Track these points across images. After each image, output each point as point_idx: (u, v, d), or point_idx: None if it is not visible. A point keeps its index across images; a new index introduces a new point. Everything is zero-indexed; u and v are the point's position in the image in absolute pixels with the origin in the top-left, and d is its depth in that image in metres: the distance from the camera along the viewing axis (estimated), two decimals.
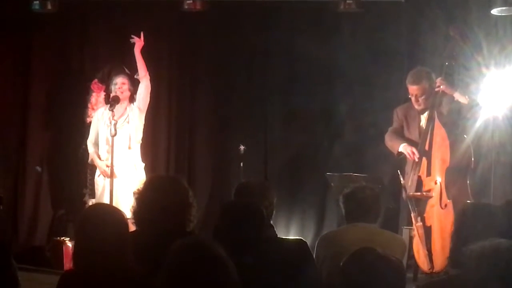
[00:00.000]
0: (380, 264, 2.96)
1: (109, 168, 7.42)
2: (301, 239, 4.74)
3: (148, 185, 4.16)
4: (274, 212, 4.59)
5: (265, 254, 3.88)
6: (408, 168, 7.04)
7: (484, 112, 6.77)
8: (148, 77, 7.87)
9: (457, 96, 6.82)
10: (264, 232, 4.02)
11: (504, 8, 7.29)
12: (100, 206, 4.42)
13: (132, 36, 7.89)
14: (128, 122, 7.79)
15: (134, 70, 8.13)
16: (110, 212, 3.52)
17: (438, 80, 6.90)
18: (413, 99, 7.07)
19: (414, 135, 7.11)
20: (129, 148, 7.76)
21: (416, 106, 7.08)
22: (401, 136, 7.19)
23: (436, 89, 6.89)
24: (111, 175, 7.25)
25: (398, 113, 7.30)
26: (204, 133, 9.12)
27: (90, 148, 7.88)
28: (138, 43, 7.87)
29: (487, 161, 7.12)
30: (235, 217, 3.94)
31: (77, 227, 3.54)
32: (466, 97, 6.76)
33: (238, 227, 3.86)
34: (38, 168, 8.82)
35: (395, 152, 7.16)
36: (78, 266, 3.50)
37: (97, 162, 7.81)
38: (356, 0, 8.23)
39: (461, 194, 6.70)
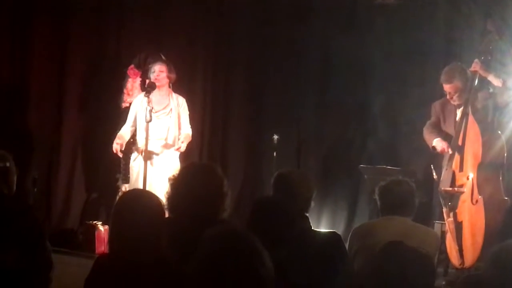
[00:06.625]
0: (410, 257, 2.97)
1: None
2: (334, 232, 4.71)
3: (185, 172, 4.17)
4: (312, 204, 4.55)
5: (299, 246, 3.87)
6: (444, 162, 7.02)
7: None
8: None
9: (491, 78, 6.81)
10: (298, 224, 4.00)
11: None
12: (137, 191, 4.44)
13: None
14: (170, 117, 7.77)
15: (171, 56, 8.16)
16: (147, 198, 3.51)
17: (474, 62, 6.85)
18: (448, 96, 7.06)
19: (450, 129, 7.10)
20: (166, 140, 7.73)
21: (451, 102, 7.07)
22: (438, 129, 7.19)
23: (472, 70, 6.84)
24: (145, 159, 7.24)
25: (436, 107, 7.29)
26: (238, 122, 9.16)
27: (123, 131, 7.84)
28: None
29: None
30: (267, 215, 3.88)
31: (114, 211, 3.52)
32: (501, 79, 6.73)
33: (270, 224, 3.80)
34: None
35: (430, 146, 7.16)
36: (113, 250, 3.49)
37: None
38: None
39: (493, 190, 6.67)
